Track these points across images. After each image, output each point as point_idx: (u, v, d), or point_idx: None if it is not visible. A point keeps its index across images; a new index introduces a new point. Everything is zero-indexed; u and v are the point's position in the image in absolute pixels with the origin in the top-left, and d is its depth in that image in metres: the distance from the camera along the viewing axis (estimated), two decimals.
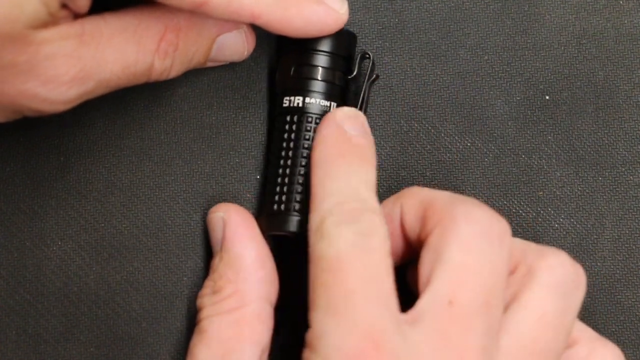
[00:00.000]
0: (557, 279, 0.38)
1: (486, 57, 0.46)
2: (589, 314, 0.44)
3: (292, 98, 0.42)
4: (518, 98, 0.46)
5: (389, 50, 0.46)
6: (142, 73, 0.40)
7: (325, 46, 0.42)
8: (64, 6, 0.37)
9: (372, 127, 0.45)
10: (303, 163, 0.42)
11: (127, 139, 0.45)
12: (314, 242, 0.38)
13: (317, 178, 0.40)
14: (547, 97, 0.46)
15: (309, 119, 0.42)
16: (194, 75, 0.45)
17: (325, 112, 0.42)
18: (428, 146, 0.45)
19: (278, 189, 0.42)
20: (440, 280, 0.37)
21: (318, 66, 0.42)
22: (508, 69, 0.46)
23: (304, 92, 0.42)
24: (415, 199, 0.40)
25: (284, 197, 0.41)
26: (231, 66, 0.45)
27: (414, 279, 0.39)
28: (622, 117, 0.46)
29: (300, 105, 0.42)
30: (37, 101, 0.38)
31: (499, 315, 0.37)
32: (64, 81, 0.38)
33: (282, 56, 0.43)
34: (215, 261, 0.42)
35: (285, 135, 0.42)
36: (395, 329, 0.36)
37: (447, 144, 0.46)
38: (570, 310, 0.39)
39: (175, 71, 0.41)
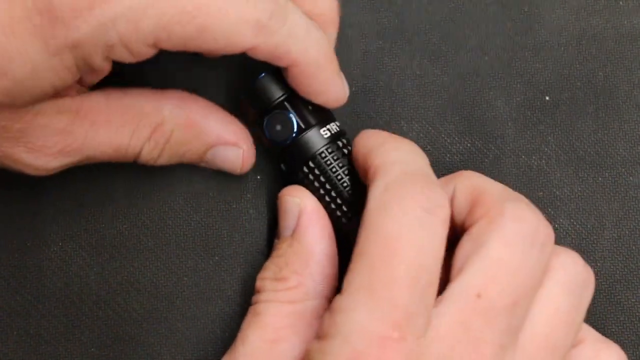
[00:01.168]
0: (569, 277, 0.39)
1: (486, 58, 0.46)
2: (589, 314, 0.44)
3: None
4: (518, 99, 0.46)
5: (389, 51, 0.46)
6: (130, 156, 0.41)
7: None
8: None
9: (372, 127, 0.45)
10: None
11: None
12: (374, 210, 0.37)
13: (376, 155, 0.39)
14: (547, 98, 0.46)
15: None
16: (195, 76, 0.45)
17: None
18: (428, 147, 0.45)
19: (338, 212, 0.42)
20: (474, 271, 0.37)
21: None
22: (508, 70, 0.46)
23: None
24: (468, 184, 0.40)
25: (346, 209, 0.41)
26: (232, 67, 0.45)
27: (447, 261, 0.39)
28: (622, 117, 0.46)
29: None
30: (21, 165, 0.39)
31: (523, 317, 0.37)
32: (50, 152, 0.38)
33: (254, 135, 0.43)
34: (283, 246, 0.41)
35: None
36: (424, 320, 0.36)
37: (447, 144, 0.46)
38: (580, 308, 0.39)
39: (162, 161, 0.41)
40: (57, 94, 0.37)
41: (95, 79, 0.39)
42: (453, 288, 0.37)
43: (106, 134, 0.39)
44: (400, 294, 0.35)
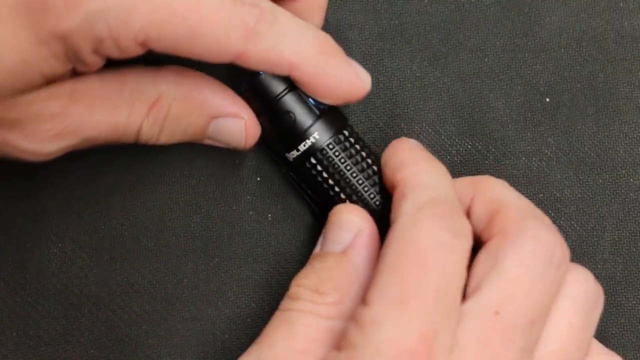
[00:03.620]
0: (582, 294, 0.39)
1: (486, 59, 0.46)
2: None
3: (293, 152, 0.42)
4: (518, 100, 0.46)
5: (389, 53, 0.46)
6: (130, 135, 0.40)
7: (278, 90, 0.41)
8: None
9: (373, 129, 0.45)
10: (361, 184, 0.41)
11: None
12: (406, 226, 0.37)
13: (408, 172, 0.39)
14: (547, 99, 0.46)
15: (331, 146, 0.41)
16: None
17: (333, 130, 0.41)
18: (428, 148, 0.45)
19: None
20: (492, 288, 0.37)
21: (289, 111, 0.41)
22: (508, 71, 0.46)
23: (301, 136, 0.41)
24: (488, 196, 0.40)
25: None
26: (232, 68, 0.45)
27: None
28: (622, 119, 0.46)
29: (310, 145, 0.41)
30: (17, 151, 0.38)
31: (539, 334, 0.37)
32: (47, 136, 0.38)
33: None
34: (330, 259, 0.40)
35: (324, 174, 0.41)
36: (450, 340, 0.36)
37: (447, 146, 0.46)
38: (591, 325, 0.39)
39: (164, 139, 0.41)
40: (49, 82, 0.37)
41: (89, 70, 0.38)
42: (472, 304, 0.37)
43: (103, 114, 0.39)
44: (430, 308, 0.35)
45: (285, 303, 0.40)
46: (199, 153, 0.45)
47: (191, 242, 0.45)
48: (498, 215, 0.39)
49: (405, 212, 0.38)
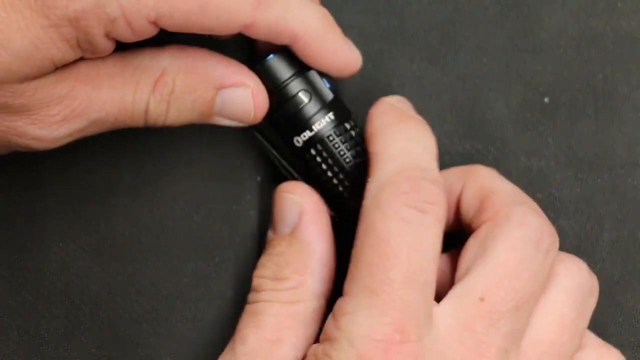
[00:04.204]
0: (575, 284, 0.39)
1: (486, 60, 0.46)
2: None
3: (299, 137, 0.41)
4: (517, 100, 0.46)
5: (388, 53, 0.46)
6: (139, 115, 0.39)
7: (286, 74, 0.41)
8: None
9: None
10: (353, 173, 0.41)
11: (128, 140, 0.45)
12: (369, 208, 0.37)
13: (376, 144, 0.39)
14: (547, 100, 0.46)
15: (331, 138, 0.41)
16: None
17: (335, 120, 0.41)
18: None
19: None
20: (478, 274, 0.37)
21: (296, 94, 0.41)
22: (507, 72, 0.46)
23: (306, 123, 0.41)
24: (478, 182, 0.40)
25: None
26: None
27: (454, 262, 0.40)
28: (621, 119, 0.46)
29: (313, 134, 0.41)
30: (25, 139, 0.38)
31: (526, 321, 0.38)
32: (55, 120, 0.38)
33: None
34: (282, 244, 0.40)
35: (323, 166, 0.41)
36: (426, 320, 0.36)
37: (446, 146, 0.46)
38: (585, 315, 0.39)
39: (172, 117, 0.40)
40: (57, 69, 0.37)
41: (97, 56, 0.38)
42: (456, 290, 0.37)
43: (109, 93, 0.38)
44: (398, 295, 0.36)
45: (251, 296, 0.40)
46: (199, 153, 0.45)
47: (192, 241, 0.45)
48: (487, 202, 0.39)
49: (369, 193, 0.38)
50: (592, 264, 0.44)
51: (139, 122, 0.40)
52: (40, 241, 0.44)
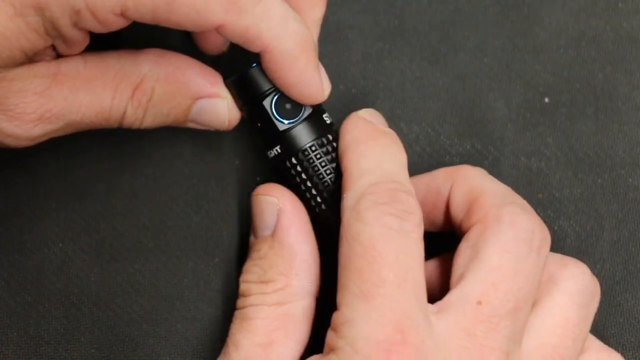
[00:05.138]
0: (578, 287, 0.39)
1: (486, 60, 0.46)
2: None
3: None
4: (517, 100, 0.46)
5: (388, 53, 0.46)
6: (115, 119, 0.40)
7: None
8: (48, 48, 0.37)
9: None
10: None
11: (128, 140, 0.45)
12: (349, 221, 0.37)
13: (349, 159, 0.40)
14: (547, 100, 0.46)
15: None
16: None
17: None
18: (427, 149, 0.45)
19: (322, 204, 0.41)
20: (474, 278, 0.37)
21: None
22: (507, 72, 0.46)
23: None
24: (466, 186, 0.40)
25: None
26: (232, 70, 0.45)
27: (446, 266, 0.40)
28: (621, 119, 0.46)
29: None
30: (2, 135, 0.38)
31: (525, 321, 0.38)
32: (30, 119, 0.38)
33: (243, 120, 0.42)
34: (264, 247, 0.40)
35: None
36: (424, 321, 0.36)
37: (446, 146, 0.46)
38: (588, 319, 0.39)
39: (147, 122, 0.40)
40: (31, 60, 0.37)
41: (73, 50, 0.38)
42: (453, 295, 0.37)
43: (87, 97, 0.38)
44: (392, 294, 0.36)
45: (239, 302, 0.40)
46: (199, 153, 0.45)
47: (191, 241, 0.45)
48: (476, 203, 0.39)
49: (347, 206, 0.38)
50: (593, 265, 0.44)
51: (114, 125, 0.40)
52: (39, 241, 0.44)
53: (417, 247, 0.37)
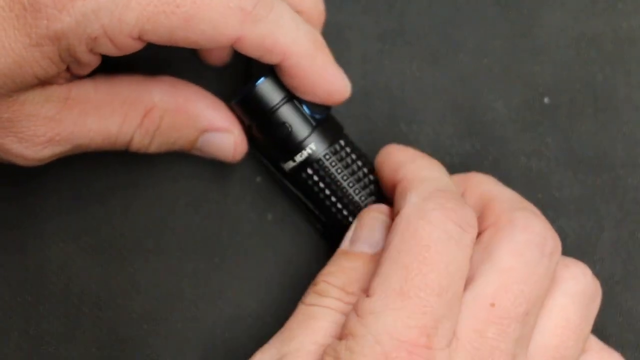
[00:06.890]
0: (579, 288, 0.39)
1: (485, 60, 0.46)
2: None
3: (289, 162, 0.41)
4: (517, 101, 0.46)
5: (388, 53, 0.46)
6: (122, 144, 0.40)
7: (275, 101, 0.41)
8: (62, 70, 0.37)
9: (372, 130, 0.45)
10: (357, 193, 0.41)
11: None
12: (410, 217, 0.37)
13: (408, 169, 0.40)
14: (546, 100, 0.46)
15: (327, 157, 0.41)
16: (196, 77, 0.45)
17: (329, 140, 0.41)
18: (428, 149, 0.46)
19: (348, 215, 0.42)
20: (486, 280, 0.37)
21: (285, 122, 0.41)
22: (507, 72, 0.46)
23: (297, 147, 0.41)
24: (477, 192, 0.40)
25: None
26: (232, 69, 0.45)
27: None
28: (620, 119, 0.46)
29: (307, 156, 0.41)
30: (11, 155, 0.38)
31: (532, 327, 0.38)
32: (40, 141, 0.38)
33: (250, 138, 0.42)
34: (359, 262, 0.40)
35: (321, 185, 0.41)
36: (450, 333, 0.36)
37: (446, 147, 0.46)
38: (589, 320, 0.39)
39: (153, 148, 0.41)
40: (44, 83, 0.37)
41: (84, 70, 0.38)
42: (467, 296, 0.37)
43: (95, 122, 0.39)
44: (431, 301, 0.36)
45: (310, 298, 0.39)
46: None
47: (192, 242, 0.45)
48: (488, 208, 0.39)
49: (410, 202, 0.38)
50: (592, 264, 0.44)
51: (120, 148, 0.40)
52: (40, 241, 0.44)
53: (467, 261, 0.37)
